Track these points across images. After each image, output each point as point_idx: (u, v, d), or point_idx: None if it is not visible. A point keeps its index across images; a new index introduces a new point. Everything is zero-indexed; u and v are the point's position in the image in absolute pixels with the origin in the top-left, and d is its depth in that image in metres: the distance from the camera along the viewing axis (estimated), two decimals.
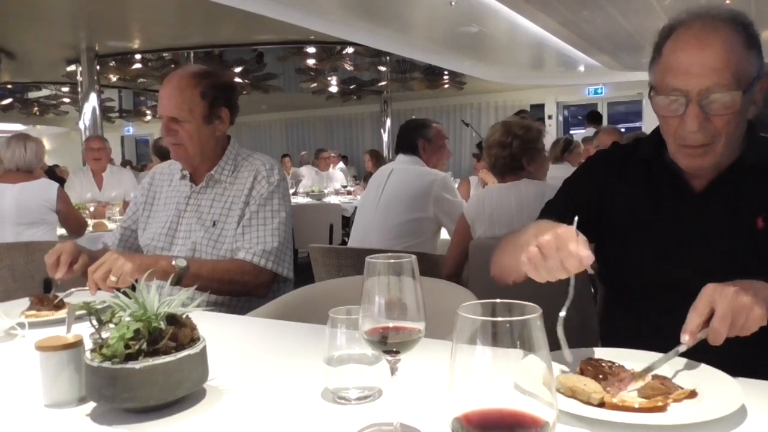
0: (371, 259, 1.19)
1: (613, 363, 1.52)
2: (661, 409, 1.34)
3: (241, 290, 2.54)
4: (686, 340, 1.41)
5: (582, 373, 1.49)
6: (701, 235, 1.74)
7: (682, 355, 1.47)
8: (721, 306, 1.35)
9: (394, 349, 1.20)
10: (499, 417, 0.77)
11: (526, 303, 0.81)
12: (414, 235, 3.88)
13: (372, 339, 1.21)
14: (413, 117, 9.97)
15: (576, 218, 1.50)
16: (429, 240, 3.98)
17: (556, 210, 1.88)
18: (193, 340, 1.46)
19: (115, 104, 17.99)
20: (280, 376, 1.65)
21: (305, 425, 1.37)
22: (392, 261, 1.18)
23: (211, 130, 2.62)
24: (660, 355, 1.50)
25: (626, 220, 1.83)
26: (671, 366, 1.51)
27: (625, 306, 1.95)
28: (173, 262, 2.29)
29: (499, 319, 0.79)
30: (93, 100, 11.18)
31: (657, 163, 1.81)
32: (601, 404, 1.36)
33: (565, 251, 1.40)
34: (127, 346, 1.34)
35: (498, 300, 0.83)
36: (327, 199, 9.25)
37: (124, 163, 17.43)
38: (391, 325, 1.20)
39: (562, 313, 1.51)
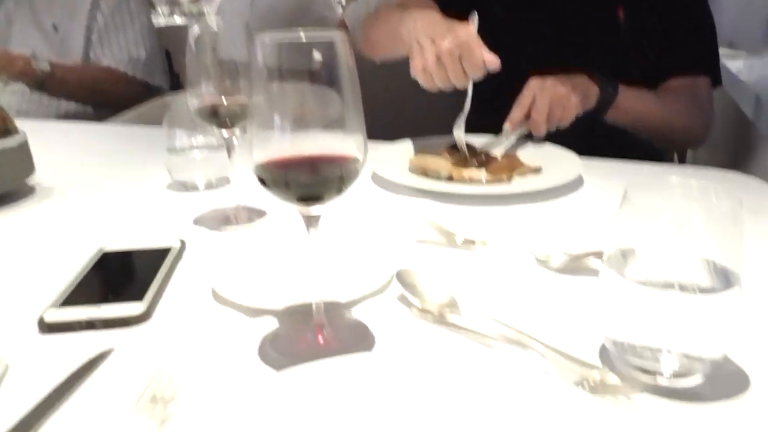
0: None
1: (473, 146, 1.52)
2: (506, 182, 1.37)
3: (112, 101, 2.33)
4: (507, 129, 1.50)
5: (449, 155, 1.50)
6: (561, 29, 1.73)
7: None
8: (540, 98, 1.40)
9: (228, 122, 1.12)
10: (305, 158, 0.72)
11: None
12: None
13: (203, 112, 1.12)
14: None
15: (476, 15, 1.40)
16: None
17: None
18: (7, 131, 1.31)
19: None
20: (123, 174, 1.55)
21: (149, 214, 1.30)
22: None
23: None
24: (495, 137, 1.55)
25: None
26: (522, 147, 1.55)
27: (486, 102, 1.95)
28: (33, 64, 2.03)
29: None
30: None
31: None
32: (450, 180, 1.38)
33: (469, 61, 1.28)
34: None
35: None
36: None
37: None
38: (223, 99, 1.11)
39: (459, 127, 1.49)
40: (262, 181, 0.73)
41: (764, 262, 0.99)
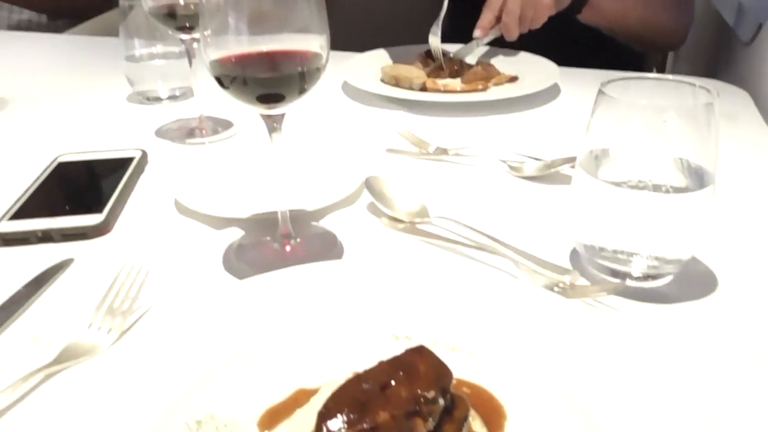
0: None
1: (448, 53, 1.46)
2: (482, 91, 1.33)
3: (69, 8, 2.19)
4: (478, 34, 1.42)
5: (422, 64, 1.44)
6: None
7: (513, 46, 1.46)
8: (510, 1, 1.31)
9: (187, 25, 1.05)
10: (263, 53, 0.67)
11: None
12: None
13: (159, 12, 1.05)
14: None
15: None
16: None
17: None
18: None
19: None
20: (80, 86, 1.48)
21: (108, 126, 1.24)
22: None
23: None
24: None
25: None
26: (496, 56, 1.50)
27: (463, 9, 1.88)
28: None
29: None
30: None
31: None
32: (424, 89, 1.33)
33: None
34: None
35: None
36: None
37: None
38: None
39: (435, 34, 1.42)
40: (220, 82, 0.69)
41: (738, 166, 0.98)
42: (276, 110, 0.70)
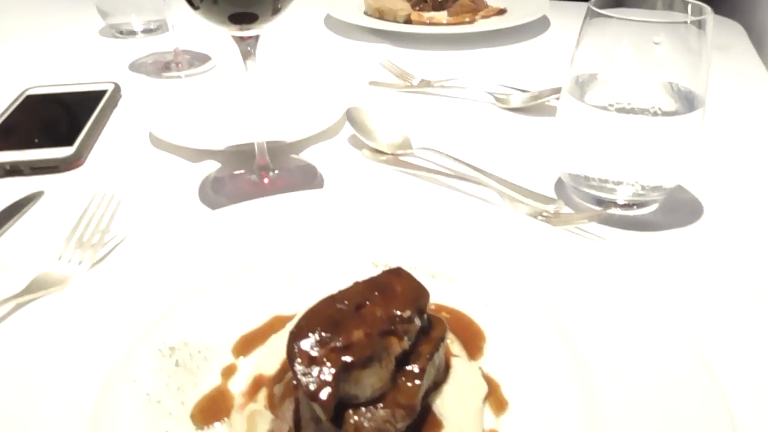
0: None
1: None
2: (469, 23, 1.29)
3: None
4: None
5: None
6: None
7: None
8: None
9: None
10: None
11: None
12: None
13: None
14: None
15: None
16: None
17: None
18: None
19: None
20: (50, 19, 1.41)
21: (80, 60, 1.20)
22: None
23: None
24: None
25: None
26: None
27: None
28: None
29: None
30: None
31: None
32: (408, 22, 1.28)
33: None
34: None
35: None
36: None
37: None
38: None
39: None
40: (190, 2, 0.65)
41: (728, 97, 0.96)
42: (249, 31, 0.67)
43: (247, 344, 0.51)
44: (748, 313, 0.55)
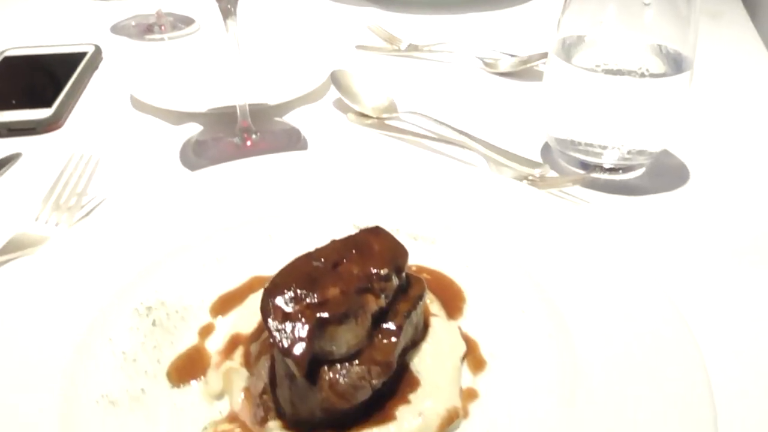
0: None
1: None
2: None
3: None
4: None
5: None
6: None
7: None
8: None
9: None
10: None
11: None
12: None
13: None
14: None
15: None
16: None
17: None
18: None
19: None
20: None
21: (59, 21, 1.17)
22: None
23: None
24: None
25: None
26: None
27: None
28: None
29: None
30: None
31: None
32: None
33: None
34: None
35: None
36: None
37: None
38: None
39: None
40: None
41: (717, 63, 0.95)
42: None
43: (225, 304, 0.51)
44: (731, 277, 0.55)
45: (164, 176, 0.70)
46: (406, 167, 0.65)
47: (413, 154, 0.74)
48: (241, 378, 0.42)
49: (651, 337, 0.43)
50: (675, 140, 0.72)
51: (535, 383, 0.43)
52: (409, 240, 0.57)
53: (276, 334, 0.37)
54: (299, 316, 0.37)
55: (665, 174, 0.69)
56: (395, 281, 0.42)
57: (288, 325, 0.37)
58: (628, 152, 0.66)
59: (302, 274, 0.40)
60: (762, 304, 0.51)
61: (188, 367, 0.45)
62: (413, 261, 0.54)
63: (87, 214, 0.62)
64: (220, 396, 0.42)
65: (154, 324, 0.48)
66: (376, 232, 0.45)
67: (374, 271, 0.41)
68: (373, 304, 0.40)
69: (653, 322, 0.44)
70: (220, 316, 0.49)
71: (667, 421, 0.37)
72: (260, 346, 0.43)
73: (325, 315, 0.37)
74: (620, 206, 0.64)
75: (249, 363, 0.43)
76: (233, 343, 0.45)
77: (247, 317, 0.47)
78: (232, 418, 0.41)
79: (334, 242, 0.44)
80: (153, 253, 0.54)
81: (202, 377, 0.44)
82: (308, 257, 0.42)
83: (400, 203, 0.61)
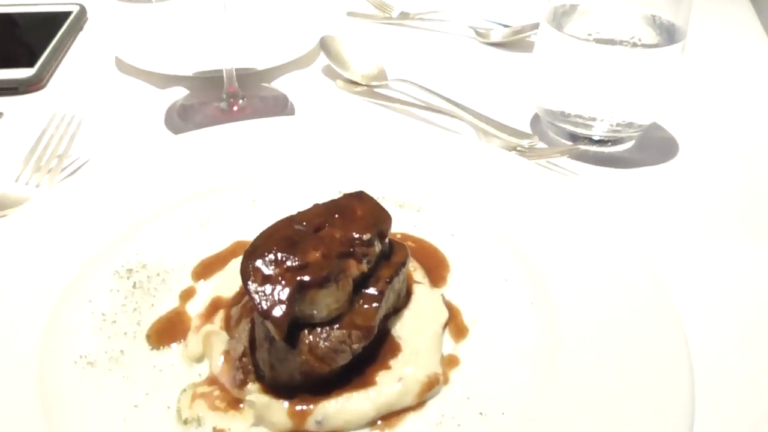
0: None
1: None
2: None
3: None
4: None
5: None
6: None
7: None
8: None
9: None
10: None
11: None
12: None
13: None
14: None
15: None
16: None
17: None
18: None
19: None
20: None
21: None
22: None
23: None
24: None
25: None
26: None
27: None
28: None
29: None
30: None
31: None
32: None
33: None
34: None
35: None
36: None
37: None
38: None
39: None
40: None
41: (711, 40, 0.94)
42: None
43: (207, 268, 0.50)
44: (713, 247, 0.55)
45: (148, 139, 0.69)
46: (393, 135, 0.64)
47: (401, 122, 0.73)
48: (221, 341, 0.42)
49: (633, 307, 0.43)
50: (665, 113, 0.72)
51: (517, 351, 0.43)
52: (395, 208, 0.56)
53: (256, 296, 0.36)
54: (279, 279, 0.37)
55: (654, 147, 0.69)
56: (378, 247, 0.42)
57: (268, 288, 0.37)
58: (618, 124, 0.66)
59: (283, 237, 0.40)
60: (743, 273, 0.51)
61: (168, 330, 0.44)
62: (398, 229, 0.54)
63: (69, 176, 0.61)
64: (199, 359, 0.42)
65: (134, 286, 0.48)
66: (360, 197, 0.45)
67: (357, 235, 0.41)
68: (355, 269, 0.40)
69: (636, 292, 0.44)
70: (201, 280, 0.49)
71: (645, 391, 0.38)
72: (241, 310, 0.43)
73: (306, 278, 0.37)
74: (608, 178, 0.64)
75: (229, 326, 0.43)
76: (214, 306, 0.45)
77: (228, 281, 0.47)
78: (212, 380, 0.40)
79: (316, 206, 0.43)
80: (134, 215, 0.53)
81: (182, 340, 0.44)
82: (290, 221, 0.41)
83: (387, 170, 0.60)
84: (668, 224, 0.57)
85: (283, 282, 0.37)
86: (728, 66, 0.88)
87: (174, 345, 0.43)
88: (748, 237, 0.56)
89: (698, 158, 0.67)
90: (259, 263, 0.38)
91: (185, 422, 0.38)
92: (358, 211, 0.43)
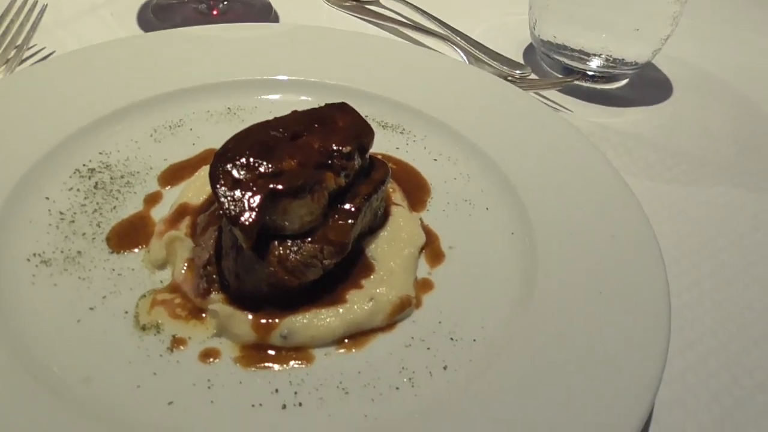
0: None
1: None
2: None
3: None
4: None
5: None
6: None
7: None
8: None
9: None
10: None
11: None
12: None
13: None
14: None
15: None
16: None
17: None
18: None
19: None
20: None
21: None
22: None
23: None
24: None
25: None
26: None
27: None
28: None
29: None
30: None
31: None
32: None
33: None
34: None
35: None
36: None
37: None
38: None
39: None
40: None
41: None
42: None
43: (175, 174, 0.47)
44: (697, 188, 0.53)
45: (118, 35, 0.65)
46: (381, 51, 0.60)
47: (390, 41, 0.69)
48: (185, 248, 0.40)
49: (614, 239, 0.42)
50: (663, 54, 0.69)
51: (492, 279, 0.42)
52: (378, 128, 0.53)
53: (224, 201, 0.34)
54: (251, 184, 0.35)
55: (648, 87, 0.67)
56: (358, 161, 0.40)
57: (238, 193, 0.34)
58: (614, 60, 0.63)
59: (258, 141, 0.37)
60: (725, 213, 0.51)
61: (131, 234, 0.42)
62: (380, 149, 0.51)
63: (31, 65, 0.57)
64: (162, 265, 0.40)
65: (96, 187, 0.45)
66: (342, 108, 0.42)
67: (336, 147, 0.38)
68: (332, 181, 0.38)
69: (618, 224, 0.43)
70: (169, 186, 0.46)
71: (621, 323, 0.37)
72: (208, 218, 0.41)
73: (279, 186, 0.35)
74: (599, 115, 0.62)
75: (195, 234, 0.41)
76: (180, 213, 0.43)
77: (197, 189, 0.44)
78: (174, 288, 0.38)
79: (295, 113, 0.41)
80: (98, 111, 0.50)
81: (144, 245, 0.41)
82: (266, 125, 0.39)
83: (371, 88, 0.57)
84: (654, 163, 0.56)
85: (254, 188, 0.34)
86: (729, 12, 0.85)
87: (136, 250, 0.41)
88: (736, 181, 0.55)
89: (691, 102, 0.65)
90: (229, 167, 0.35)
91: (143, 329, 0.36)
92: (340, 122, 0.40)
